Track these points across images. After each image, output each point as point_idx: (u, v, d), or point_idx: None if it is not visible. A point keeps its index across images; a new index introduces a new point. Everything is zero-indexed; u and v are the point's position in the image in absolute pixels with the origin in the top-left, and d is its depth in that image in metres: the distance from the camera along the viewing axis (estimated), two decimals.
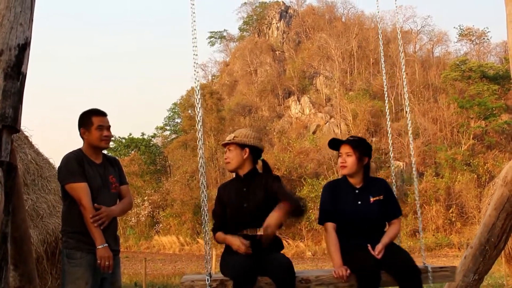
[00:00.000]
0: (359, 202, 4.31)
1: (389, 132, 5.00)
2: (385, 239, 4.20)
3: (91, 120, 4.27)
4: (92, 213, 4.02)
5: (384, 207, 4.34)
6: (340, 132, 49.41)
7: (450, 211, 38.51)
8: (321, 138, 47.47)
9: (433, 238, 36.50)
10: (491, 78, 48.53)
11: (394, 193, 4.55)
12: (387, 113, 5.24)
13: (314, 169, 42.97)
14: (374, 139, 45.70)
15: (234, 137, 4.29)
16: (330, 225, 4.25)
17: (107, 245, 4.04)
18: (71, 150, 4.32)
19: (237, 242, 4.04)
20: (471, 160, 41.40)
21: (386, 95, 5.43)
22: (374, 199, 4.31)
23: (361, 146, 4.37)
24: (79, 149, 4.32)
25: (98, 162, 4.33)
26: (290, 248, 36.34)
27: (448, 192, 39.63)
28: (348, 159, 4.32)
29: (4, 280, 3.45)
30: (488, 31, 61.32)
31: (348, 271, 3.99)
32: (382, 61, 5.22)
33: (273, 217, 3.96)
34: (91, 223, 4.01)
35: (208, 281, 3.88)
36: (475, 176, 39.36)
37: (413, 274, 3.97)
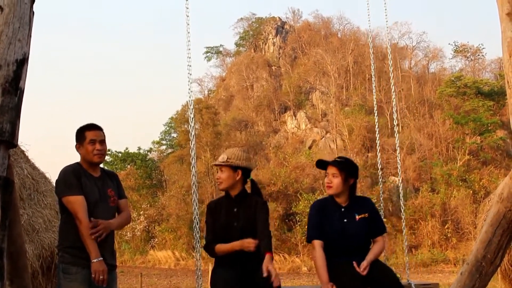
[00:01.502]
0: (345, 220, 4.46)
1: (378, 149, 5.07)
2: (370, 256, 4.35)
3: (84, 135, 4.27)
4: (87, 227, 4.00)
5: (369, 225, 4.50)
6: (336, 147, 49.46)
7: (446, 226, 38.48)
8: (317, 153, 47.46)
9: (429, 254, 36.44)
10: (486, 94, 48.78)
11: (380, 211, 4.76)
12: (377, 130, 5.30)
13: (310, 184, 42.93)
14: (369, 154, 45.73)
15: (227, 159, 4.42)
16: (317, 243, 4.38)
17: (102, 258, 4.01)
18: (68, 164, 4.32)
19: (245, 244, 4.23)
20: (466, 176, 41.46)
21: (376, 113, 5.50)
22: (360, 217, 4.46)
23: (347, 168, 4.51)
24: (77, 163, 4.32)
25: (96, 176, 4.33)
26: (286, 263, 36.20)
27: (443, 208, 39.62)
28: (334, 180, 4.47)
29: None
30: (483, 48, 61.65)
31: (334, 287, 4.14)
32: (373, 78, 5.28)
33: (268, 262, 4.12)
34: (87, 236, 3.98)
35: None
36: (471, 192, 39.39)
37: None
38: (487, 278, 4.72)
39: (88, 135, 4.26)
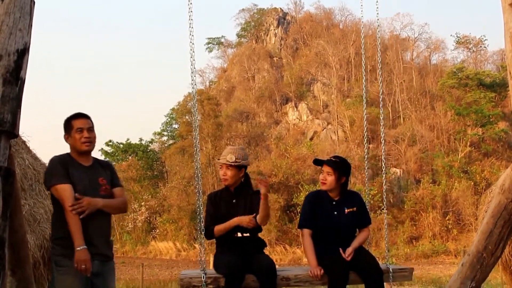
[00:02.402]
0: (335, 213, 4.93)
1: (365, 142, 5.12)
2: (354, 243, 4.86)
3: (71, 124, 4.20)
4: (74, 216, 3.91)
5: (356, 218, 4.99)
6: (338, 138, 49.47)
7: (447, 218, 38.56)
8: (319, 145, 47.51)
9: (430, 245, 36.54)
10: (488, 85, 48.65)
11: (367, 205, 5.25)
12: (364, 117, 5.34)
13: (311, 175, 42.95)
14: (371, 145, 45.76)
15: (235, 159, 4.76)
16: (306, 231, 4.89)
17: (85, 247, 3.89)
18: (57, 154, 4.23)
19: (243, 220, 4.65)
20: (468, 168, 41.48)
21: (365, 104, 5.52)
22: (349, 210, 4.95)
23: (340, 168, 4.95)
24: (67, 153, 4.26)
25: (86, 165, 4.24)
26: (287, 254, 36.33)
27: (444, 199, 39.69)
28: (328, 178, 4.92)
29: (2, 286, 3.44)
30: (485, 39, 61.28)
31: (322, 271, 4.64)
32: (363, 69, 5.32)
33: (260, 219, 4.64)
34: (72, 224, 3.90)
35: (203, 277, 4.44)
36: (472, 183, 39.43)
37: (376, 274, 4.64)
38: (488, 269, 4.73)
39: (75, 123, 4.19)
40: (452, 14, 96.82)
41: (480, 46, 60.34)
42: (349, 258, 4.70)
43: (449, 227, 38.28)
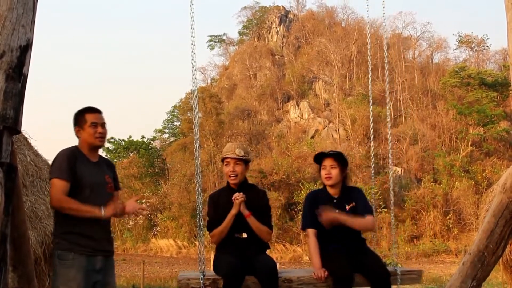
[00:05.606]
0: (337, 211, 4.67)
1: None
2: (348, 219, 4.60)
3: (85, 118, 4.16)
4: (70, 200, 3.92)
5: (357, 212, 4.73)
6: (339, 137, 49.45)
7: (448, 217, 38.50)
8: (320, 143, 47.45)
9: (430, 244, 36.51)
10: (490, 85, 48.60)
11: (368, 200, 4.95)
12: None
13: (312, 173, 42.85)
14: (372, 144, 45.77)
15: (244, 154, 4.61)
16: (311, 231, 4.70)
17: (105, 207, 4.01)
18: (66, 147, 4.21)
19: (236, 199, 4.50)
20: (469, 167, 41.42)
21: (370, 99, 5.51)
22: (349, 207, 4.75)
23: (343, 160, 4.81)
24: (76, 146, 4.21)
25: (94, 160, 4.23)
26: (287, 253, 36.29)
27: (445, 199, 39.64)
28: (332, 171, 4.75)
29: (3, 281, 3.44)
30: (488, 38, 61.37)
31: (326, 273, 4.45)
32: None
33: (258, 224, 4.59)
34: (76, 206, 3.93)
35: (202, 279, 4.32)
36: (473, 183, 39.36)
37: (384, 276, 4.42)
38: (489, 268, 4.74)
39: (89, 118, 4.16)
40: (455, 13, 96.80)
41: (482, 45, 60.34)
42: (325, 222, 4.55)
43: (450, 226, 38.22)
